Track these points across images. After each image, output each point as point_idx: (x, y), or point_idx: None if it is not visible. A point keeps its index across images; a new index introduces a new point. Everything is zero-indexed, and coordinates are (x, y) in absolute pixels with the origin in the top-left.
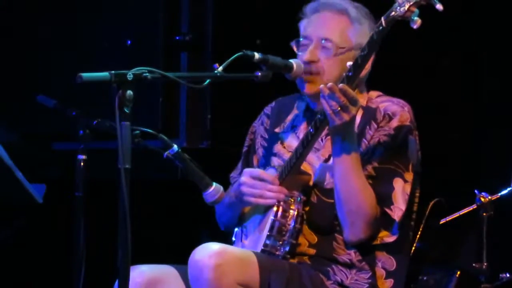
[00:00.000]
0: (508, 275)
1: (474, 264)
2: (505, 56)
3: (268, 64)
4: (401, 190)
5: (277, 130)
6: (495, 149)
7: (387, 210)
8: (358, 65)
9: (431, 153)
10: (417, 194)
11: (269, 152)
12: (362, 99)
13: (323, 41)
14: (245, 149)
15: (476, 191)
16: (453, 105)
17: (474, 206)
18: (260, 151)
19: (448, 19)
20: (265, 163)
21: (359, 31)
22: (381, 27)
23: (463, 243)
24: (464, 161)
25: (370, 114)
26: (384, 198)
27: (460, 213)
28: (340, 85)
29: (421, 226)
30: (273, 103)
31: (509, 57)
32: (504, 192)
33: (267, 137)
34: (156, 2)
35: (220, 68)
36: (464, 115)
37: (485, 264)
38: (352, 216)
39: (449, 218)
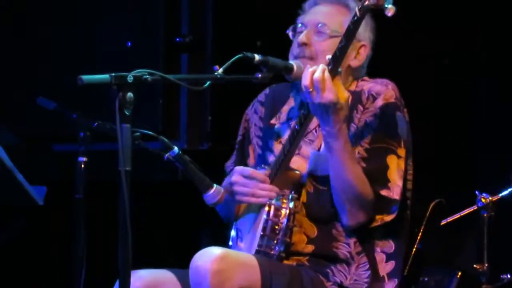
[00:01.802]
0: (509, 276)
1: (475, 265)
2: (504, 57)
3: (268, 66)
4: (395, 166)
5: (273, 121)
6: (495, 150)
7: (383, 192)
8: (336, 58)
9: (431, 154)
10: (411, 172)
11: (265, 144)
12: (353, 86)
13: (319, 25)
14: (239, 138)
15: (476, 192)
16: (453, 105)
17: (475, 207)
18: (255, 142)
19: (448, 18)
20: (262, 155)
21: None
22: (355, 18)
23: (464, 244)
24: (465, 162)
25: (356, 97)
26: (378, 179)
27: (461, 214)
28: (321, 65)
29: (422, 227)
30: (267, 90)
31: (509, 57)
32: (504, 192)
33: (262, 126)
34: (156, 4)
35: (220, 70)
36: (464, 115)
37: (486, 265)
38: (349, 203)
39: (450, 219)
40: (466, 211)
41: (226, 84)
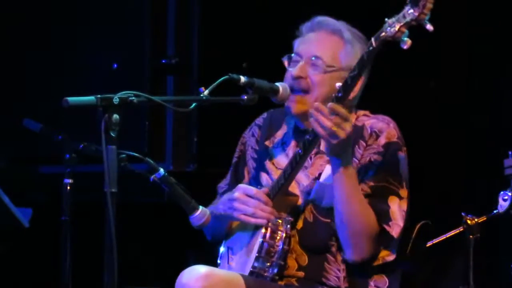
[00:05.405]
0: None
1: (461, 287)
2: (494, 81)
3: (254, 88)
4: (397, 207)
5: (267, 143)
6: (480, 171)
7: (386, 226)
8: (347, 86)
9: (417, 175)
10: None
11: (260, 166)
12: (353, 120)
13: (313, 58)
14: (235, 160)
15: (462, 213)
16: (440, 127)
17: (461, 229)
18: (250, 164)
19: (438, 43)
20: (256, 176)
21: (351, 53)
22: (371, 48)
23: (450, 266)
24: (451, 183)
25: (357, 132)
26: (381, 216)
27: (447, 236)
28: (329, 104)
29: (408, 248)
30: (265, 114)
31: (497, 81)
32: (490, 214)
33: (258, 149)
34: (142, 26)
35: (206, 92)
36: (451, 138)
37: (472, 286)
38: (356, 237)
39: (435, 241)
40: (452, 233)
41: (212, 106)
